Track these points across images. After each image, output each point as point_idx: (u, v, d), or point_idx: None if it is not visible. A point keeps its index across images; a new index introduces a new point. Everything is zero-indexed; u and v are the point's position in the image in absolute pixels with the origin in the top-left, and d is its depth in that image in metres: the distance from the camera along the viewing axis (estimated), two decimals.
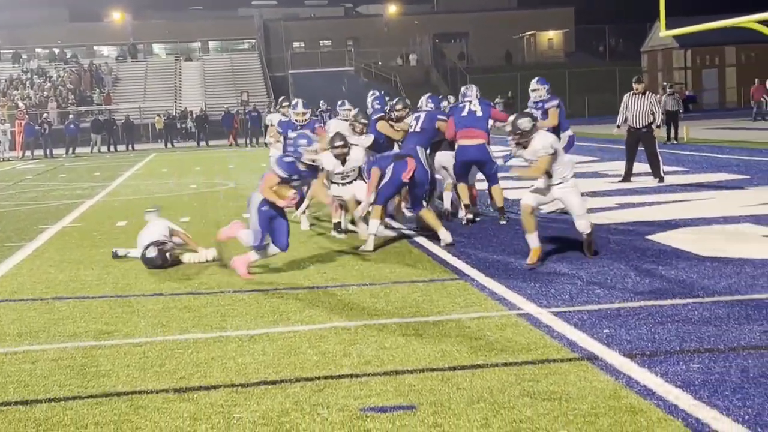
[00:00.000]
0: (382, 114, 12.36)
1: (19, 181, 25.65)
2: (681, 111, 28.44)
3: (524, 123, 8.76)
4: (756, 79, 37.81)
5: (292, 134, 12.55)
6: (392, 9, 74.60)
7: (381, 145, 11.94)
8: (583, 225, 8.97)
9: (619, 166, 17.30)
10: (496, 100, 47.38)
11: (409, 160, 10.64)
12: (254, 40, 66.46)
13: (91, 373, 5.92)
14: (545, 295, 7.58)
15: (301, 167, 9.13)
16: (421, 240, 10.84)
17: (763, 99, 35.58)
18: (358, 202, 10.96)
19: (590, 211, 12.39)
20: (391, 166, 10.58)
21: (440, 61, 67.03)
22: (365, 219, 10.84)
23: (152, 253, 9.74)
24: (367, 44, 67.34)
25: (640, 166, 16.53)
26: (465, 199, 12.04)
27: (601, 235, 10.45)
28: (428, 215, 10.70)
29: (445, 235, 10.36)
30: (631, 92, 16.11)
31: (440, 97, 14.59)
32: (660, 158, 16.02)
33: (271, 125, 14.24)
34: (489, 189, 12.11)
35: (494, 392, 5.15)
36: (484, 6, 73.86)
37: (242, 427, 4.82)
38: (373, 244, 10.26)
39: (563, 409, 4.82)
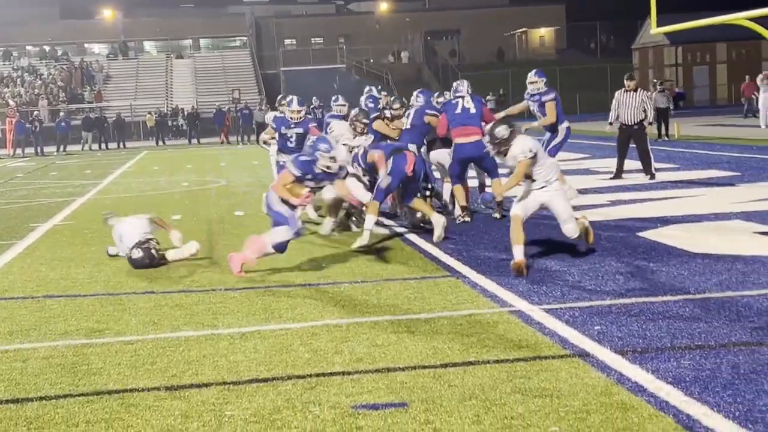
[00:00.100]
0: (378, 113, 12.36)
1: (10, 179, 25.59)
2: (671, 108, 28.48)
3: (501, 131, 8.58)
4: (747, 76, 37.90)
5: (285, 131, 12.58)
6: (383, 6, 74.59)
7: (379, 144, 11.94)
8: (570, 229, 8.75)
9: (611, 163, 17.34)
10: (488, 97, 47.50)
11: (408, 153, 10.67)
12: (245, 38, 66.37)
13: (83, 371, 5.91)
14: (537, 292, 7.59)
15: (317, 170, 9.05)
16: (413, 237, 10.84)
17: (753, 96, 35.62)
18: (339, 201, 11.02)
19: (582, 208, 12.46)
20: (390, 159, 10.61)
21: (432, 58, 67.04)
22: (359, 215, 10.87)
23: (138, 254, 9.66)
24: (358, 41, 67.31)
25: (632, 163, 16.57)
26: (462, 201, 11.96)
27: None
28: (419, 203, 10.81)
29: (438, 218, 10.42)
30: (623, 89, 16.14)
31: (436, 94, 14.57)
32: (651, 155, 16.06)
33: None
34: (491, 183, 12.04)
35: (486, 389, 5.15)
36: (476, 3, 73.92)
37: (234, 424, 4.81)
38: (368, 238, 10.25)
39: (555, 406, 4.83)
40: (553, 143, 13.38)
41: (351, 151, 11.27)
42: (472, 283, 8.10)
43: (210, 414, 4.98)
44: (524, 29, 71.91)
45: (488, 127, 8.90)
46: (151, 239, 9.84)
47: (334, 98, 14.62)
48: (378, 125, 12.08)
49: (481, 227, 11.42)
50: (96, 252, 10.84)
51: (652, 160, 16.06)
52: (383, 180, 10.42)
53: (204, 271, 9.42)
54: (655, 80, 33.68)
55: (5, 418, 5.09)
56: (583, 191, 14.10)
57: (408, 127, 11.99)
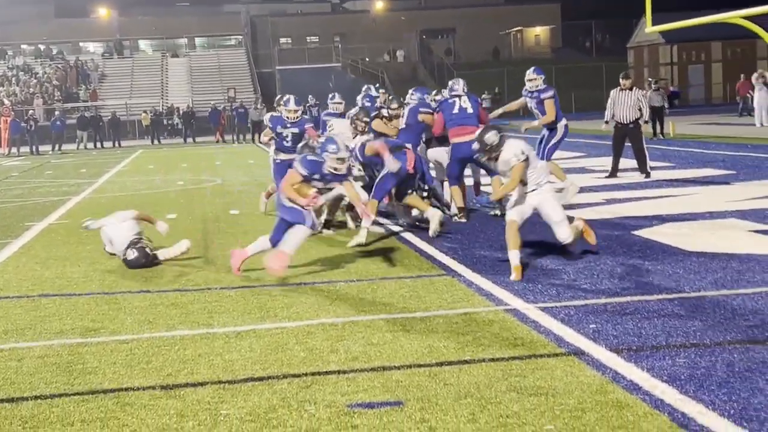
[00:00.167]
0: (376, 112, 12.35)
1: (5, 178, 25.55)
2: (666, 107, 28.50)
3: (491, 137, 8.45)
4: (742, 75, 37.95)
5: (280, 130, 12.57)
6: (379, 5, 74.55)
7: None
8: (562, 233, 8.55)
9: (606, 162, 17.35)
10: (483, 95, 47.50)
11: (408, 152, 10.68)
12: (241, 37, 66.37)
13: (78, 370, 5.91)
14: (532, 291, 7.60)
15: (325, 170, 8.98)
16: (409, 236, 10.84)
17: (749, 95, 35.67)
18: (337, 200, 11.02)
19: (577, 206, 12.48)
20: (390, 157, 10.60)
21: (427, 57, 67.05)
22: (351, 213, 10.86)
23: (133, 254, 9.60)
24: (354, 40, 67.30)
25: (627, 162, 16.58)
26: (459, 202, 11.94)
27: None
28: (413, 199, 10.82)
29: (433, 213, 10.43)
30: (618, 88, 16.15)
31: (434, 92, 14.55)
32: (647, 154, 16.08)
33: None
34: (491, 180, 12.03)
35: (481, 388, 5.16)
36: (471, 2, 73.93)
37: (229, 423, 4.81)
38: (365, 237, 10.25)
39: (550, 404, 4.84)
40: (552, 142, 13.38)
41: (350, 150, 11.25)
42: (468, 282, 8.10)
43: (205, 413, 4.98)
44: (519, 28, 71.94)
45: (477, 133, 8.73)
46: (141, 238, 9.81)
47: (330, 96, 14.60)
48: (377, 124, 12.07)
49: (477, 226, 11.42)
50: (91, 251, 10.83)
51: (648, 159, 16.08)
52: (392, 164, 10.40)
53: (199, 270, 9.41)
54: (650, 79, 33.69)
55: (0, 417, 5.08)
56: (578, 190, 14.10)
57: (403, 126, 11.98)
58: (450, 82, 12.63)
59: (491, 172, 11.89)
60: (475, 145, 8.65)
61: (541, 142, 13.59)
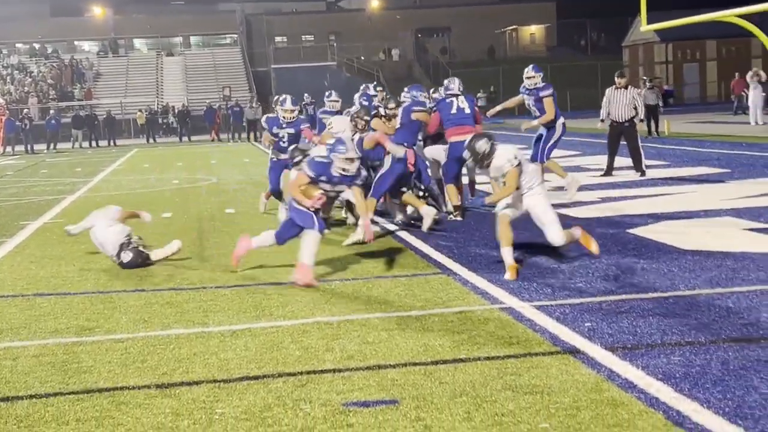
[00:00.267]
0: (375, 111, 12.35)
1: (0, 177, 25.50)
2: (661, 105, 28.52)
3: (482, 145, 8.30)
4: (736, 73, 37.98)
5: (276, 130, 12.57)
6: (374, 3, 74.50)
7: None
8: (553, 234, 8.35)
9: (602, 160, 17.36)
10: (479, 94, 47.49)
11: (408, 151, 10.68)
12: (236, 35, 66.28)
13: (73, 369, 5.90)
14: (527, 289, 7.60)
15: (334, 172, 8.72)
16: (405, 235, 10.84)
17: (743, 93, 35.72)
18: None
19: (573, 205, 12.48)
20: (389, 156, 10.58)
21: (423, 55, 67.06)
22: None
23: (128, 257, 9.53)
24: (349, 39, 67.24)
25: (622, 160, 16.60)
26: (455, 201, 11.94)
27: (583, 228, 10.49)
28: (409, 197, 10.85)
29: (428, 210, 10.43)
30: (614, 86, 16.16)
31: (432, 90, 14.53)
32: (642, 152, 16.09)
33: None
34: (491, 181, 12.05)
35: (476, 386, 5.16)
36: (466, 0, 73.90)
37: (224, 422, 4.81)
38: (363, 234, 10.22)
39: (545, 403, 4.84)
40: (551, 141, 13.39)
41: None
42: (463, 280, 8.10)
43: (201, 412, 4.97)
44: (515, 27, 71.96)
45: (467, 143, 8.57)
46: (131, 239, 9.74)
47: (327, 94, 14.57)
48: (376, 123, 12.07)
49: (473, 224, 11.42)
50: (86, 250, 10.80)
51: (643, 157, 16.10)
52: (396, 150, 10.36)
53: (194, 269, 9.41)
54: (644, 77, 33.71)
55: None
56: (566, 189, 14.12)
57: (398, 125, 11.96)
58: (445, 81, 12.62)
59: None
60: (466, 154, 8.50)
61: (538, 140, 13.60)
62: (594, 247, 8.57)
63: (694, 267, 8.15)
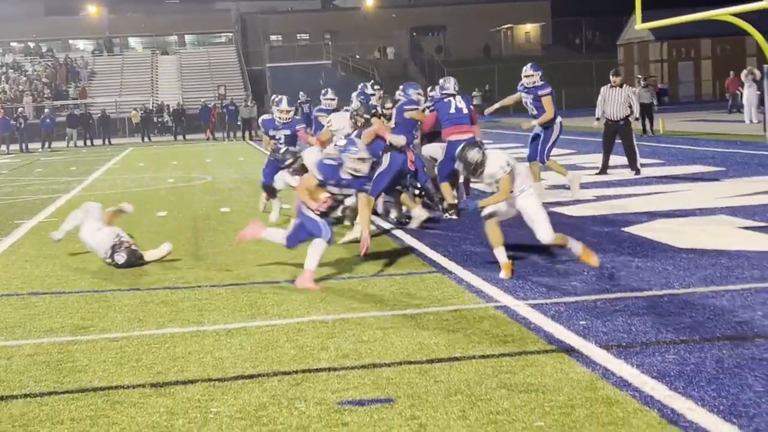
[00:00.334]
0: (374, 110, 12.35)
1: None
2: (655, 103, 28.55)
3: (474, 155, 8.17)
4: (731, 72, 38.03)
5: (272, 132, 12.57)
6: (369, 2, 74.43)
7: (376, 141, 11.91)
8: (543, 234, 8.18)
9: (597, 159, 17.38)
10: (474, 93, 47.46)
11: (408, 151, 10.69)
12: (231, 34, 66.22)
13: (68, 368, 5.90)
14: (522, 288, 7.61)
15: (343, 174, 8.52)
16: (399, 233, 10.85)
17: (738, 91, 35.77)
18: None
19: (568, 203, 12.49)
20: (388, 155, 10.57)
21: (418, 54, 66.99)
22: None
23: (122, 258, 9.44)
24: (344, 37, 67.19)
25: (617, 159, 16.61)
26: (449, 199, 11.92)
27: (578, 227, 10.51)
28: (404, 197, 10.89)
29: (419, 212, 10.47)
30: (609, 85, 16.17)
31: (429, 88, 14.51)
32: (637, 151, 16.10)
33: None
34: None
35: (471, 384, 5.16)
36: None
37: (219, 421, 4.81)
38: (359, 233, 10.22)
39: (540, 401, 4.84)
40: (550, 141, 13.39)
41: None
42: (458, 279, 8.11)
43: (195, 411, 4.97)
44: (510, 25, 71.92)
45: (457, 153, 8.40)
46: (123, 238, 9.69)
47: (323, 92, 14.55)
48: (375, 122, 12.07)
49: (467, 223, 11.42)
50: (81, 249, 10.78)
51: (638, 156, 16.11)
52: (396, 140, 10.36)
53: (189, 268, 9.40)
54: (639, 76, 33.75)
55: None
56: (569, 187, 14.14)
57: (392, 125, 11.97)
58: (441, 81, 12.62)
59: None
60: (458, 165, 8.38)
61: (534, 139, 13.60)
62: (594, 260, 8.25)
63: (688, 265, 8.16)
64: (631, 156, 16.00)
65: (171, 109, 48.08)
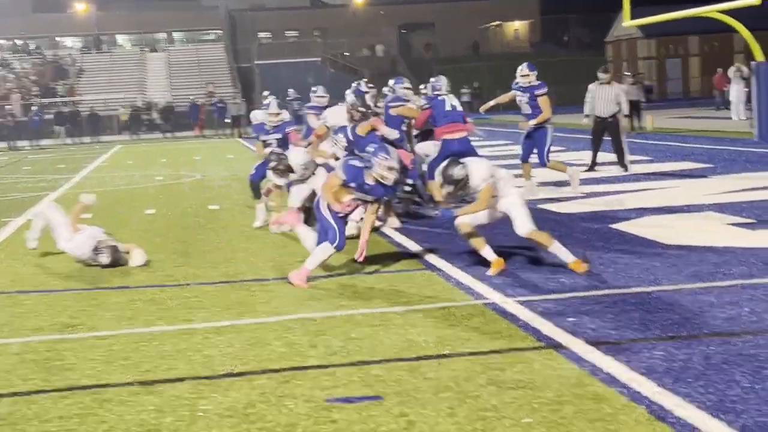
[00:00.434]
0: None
1: None
2: (643, 100, 28.59)
3: (458, 172, 8.09)
4: (719, 69, 38.13)
5: (264, 137, 12.57)
6: None
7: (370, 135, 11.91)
8: (520, 225, 8.16)
9: (585, 156, 17.41)
10: (462, 90, 47.50)
11: (403, 152, 10.71)
12: (220, 31, 66.03)
13: (56, 366, 5.88)
14: (511, 285, 7.61)
15: (368, 179, 8.27)
16: (388, 231, 10.85)
17: (725, 88, 35.87)
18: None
19: (557, 200, 12.52)
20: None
21: (407, 51, 66.98)
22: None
23: (106, 259, 9.36)
24: (333, 35, 67.14)
25: (606, 156, 16.63)
26: (438, 197, 11.92)
27: (566, 223, 10.53)
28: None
29: (392, 222, 10.75)
30: (597, 82, 16.20)
31: (422, 86, 14.48)
32: (625, 147, 16.13)
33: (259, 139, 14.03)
34: None
35: (460, 381, 5.17)
36: None
37: (208, 419, 4.80)
38: (353, 229, 10.21)
39: (528, 398, 4.85)
40: (547, 144, 13.33)
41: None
42: (447, 276, 8.11)
43: (184, 408, 4.97)
44: (498, 22, 71.96)
45: (441, 172, 8.28)
46: (101, 238, 9.57)
47: (313, 89, 14.52)
48: (374, 120, 12.07)
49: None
50: None
51: (626, 153, 16.13)
52: (389, 133, 10.45)
53: (178, 266, 9.38)
54: (627, 73, 33.81)
55: None
56: (558, 183, 14.17)
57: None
58: (432, 80, 12.61)
59: None
60: (443, 184, 8.22)
61: (527, 138, 13.54)
62: (582, 268, 8.05)
63: (676, 262, 8.18)
64: (620, 153, 16.03)
65: (159, 107, 47.94)
